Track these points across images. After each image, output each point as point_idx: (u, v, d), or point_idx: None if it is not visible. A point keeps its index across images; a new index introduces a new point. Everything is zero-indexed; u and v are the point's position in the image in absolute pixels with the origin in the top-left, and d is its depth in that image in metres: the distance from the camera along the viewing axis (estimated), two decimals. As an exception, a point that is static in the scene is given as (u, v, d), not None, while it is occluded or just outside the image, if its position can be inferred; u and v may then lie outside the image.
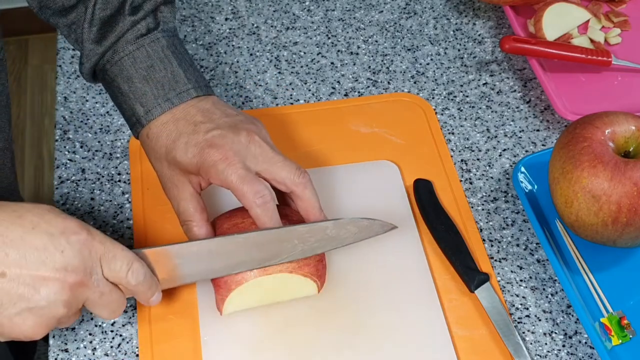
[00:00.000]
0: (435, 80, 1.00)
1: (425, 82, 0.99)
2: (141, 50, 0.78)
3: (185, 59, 0.80)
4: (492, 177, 0.90)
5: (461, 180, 0.89)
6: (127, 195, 0.87)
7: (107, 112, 0.95)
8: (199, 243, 0.72)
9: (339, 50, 1.03)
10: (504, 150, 0.92)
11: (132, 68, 0.78)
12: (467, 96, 0.98)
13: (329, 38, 1.04)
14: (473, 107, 0.97)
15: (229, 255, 0.72)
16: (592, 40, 1.03)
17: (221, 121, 0.75)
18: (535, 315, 0.79)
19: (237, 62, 1.01)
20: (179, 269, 0.72)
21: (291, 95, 0.97)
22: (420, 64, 1.01)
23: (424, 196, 0.85)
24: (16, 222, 0.63)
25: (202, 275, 0.73)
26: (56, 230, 0.64)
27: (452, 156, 0.91)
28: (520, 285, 0.81)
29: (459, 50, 1.03)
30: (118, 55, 0.78)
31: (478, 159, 0.91)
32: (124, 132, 0.93)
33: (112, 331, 0.77)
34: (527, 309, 0.79)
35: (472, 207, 0.87)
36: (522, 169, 0.87)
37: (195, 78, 0.78)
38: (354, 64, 1.01)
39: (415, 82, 0.99)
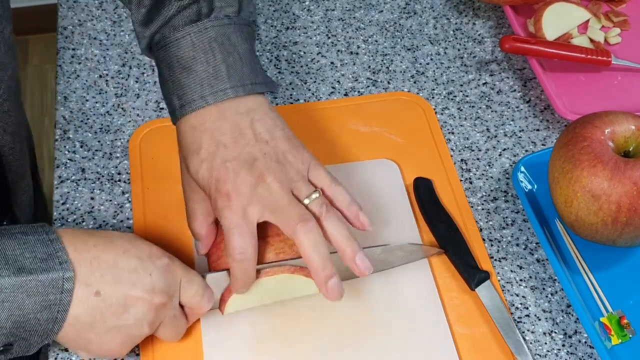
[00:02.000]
0: (435, 80, 1.00)
1: (425, 82, 0.99)
2: (186, 39, 0.74)
3: (235, 53, 0.75)
4: (492, 177, 0.90)
5: (461, 180, 0.89)
6: (127, 195, 0.87)
7: (107, 111, 0.95)
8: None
9: (339, 50, 1.03)
10: (504, 149, 0.92)
11: (174, 56, 0.75)
12: (467, 96, 0.98)
13: (329, 38, 1.04)
14: (473, 106, 0.97)
15: None
16: (592, 40, 1.03)
17: (244, 151, 0.71)
18: (535, 315, 0.79)
19: (237, 61, 1.01)
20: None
21: (291, 94, 0.97)
22: (420, 63, 1.01)
23: (424, 194, 0.85)
24: (109, 246, 0.68)
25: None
26: (144, 255, 0.69)
27: (452, 156, 0.91)
28: (520, 285, 0.81)
29: (458, 50, 1.03)
30: (164, 40, 0.75)
31: (478, 159, 0.92)
32: (124, 132, 0.93)
33: (112, 330, 0.77)
34: (527, 308, 0.79)
35: (472, 207, 0.87)
36: (522, 169, 0.87)
37: (239, 76, 0.74)
38: (354, 64, 1.01)
39: (415, 82, 0.99)
